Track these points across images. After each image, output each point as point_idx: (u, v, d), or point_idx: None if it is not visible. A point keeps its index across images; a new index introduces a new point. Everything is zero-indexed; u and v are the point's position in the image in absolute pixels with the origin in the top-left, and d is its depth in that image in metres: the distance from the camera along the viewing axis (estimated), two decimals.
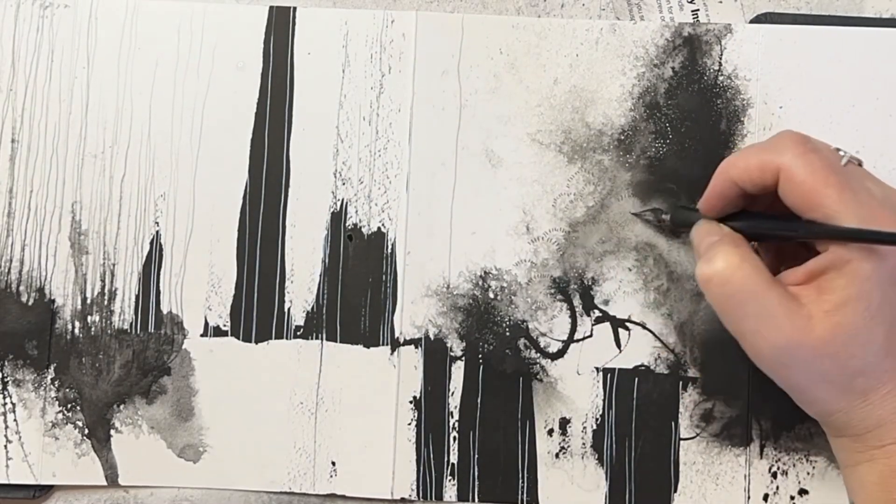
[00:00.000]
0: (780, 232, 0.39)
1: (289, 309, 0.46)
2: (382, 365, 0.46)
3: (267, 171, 0.46)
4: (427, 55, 0.47)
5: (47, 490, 0.46)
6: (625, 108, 0.46)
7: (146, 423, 0.46)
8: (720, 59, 0.46)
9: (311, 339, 0.46)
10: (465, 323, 0.46)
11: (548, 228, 0.46)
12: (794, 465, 0.45)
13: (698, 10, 0.47)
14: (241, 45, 0.47)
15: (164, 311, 0.46)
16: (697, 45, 0.46)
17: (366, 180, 0.46)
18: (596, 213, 0.46)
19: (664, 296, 0.46)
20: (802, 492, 0.45)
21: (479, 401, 0.46)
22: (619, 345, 0.46)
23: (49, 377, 0.46)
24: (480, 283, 0.46)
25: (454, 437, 0.46)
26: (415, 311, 0.46)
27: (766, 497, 0.45)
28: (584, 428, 0.45)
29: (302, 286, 0.46)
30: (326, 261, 0.46)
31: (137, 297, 0.46)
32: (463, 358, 0.46)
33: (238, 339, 0.46)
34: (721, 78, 0.46)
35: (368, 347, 0.46)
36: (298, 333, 0.46)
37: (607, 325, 0.46)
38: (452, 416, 0.46)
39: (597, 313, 0.46)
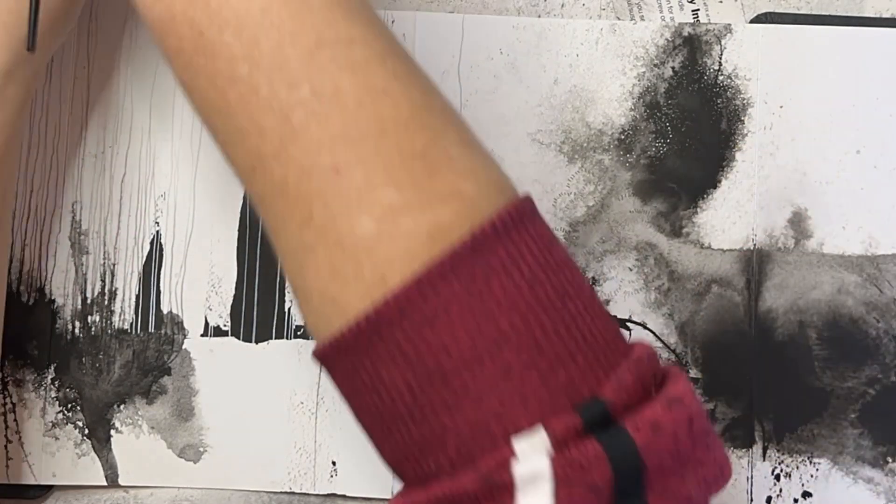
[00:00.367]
0: None
1: (289, 309, 0.46)
2: None
3: None
4: (427, 55, 0.47)
5: (47, 490, 0.46)
6: (625, 107, 0.46)
7: (146, 423, 0.46)
8: (720, 58, 0.46)
9: (311, 338, 0.46)
10: None
11: None
12: (797, 468, 0.45)
13: (698, 10, 0.47)
14: None
15: (165, 311, 0.46)
16: (697, 45, 0.46)
17: None
18: (596, 213, 0.46)
19: (665, 296, 0.46)
20: (806, 494, 0.45)
21: None
22: None
23: (49, 377, 0.46)
24: None
25: None
26: None
27: (769, 500, 0.45)
28: None
29: None
30: None
31: (137, 297, 0.46)
32: None
33: (238, 339, 0.46)
34: (721, 78, 0.46)
35: None
36: (298, 333, 0.46)
37: None
38: None
39: None
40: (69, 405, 0.46)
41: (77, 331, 0.46)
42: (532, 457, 0.27)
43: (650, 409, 0.27)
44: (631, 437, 0.27)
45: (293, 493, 0.46)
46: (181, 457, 0.46)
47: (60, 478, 0.46)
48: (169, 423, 0.46)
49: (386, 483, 0.45)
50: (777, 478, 0.45)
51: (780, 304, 0.45)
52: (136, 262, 0.46)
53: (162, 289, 0.46)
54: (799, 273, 0.45)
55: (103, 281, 0.46)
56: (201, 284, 0.46)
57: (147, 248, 0.46)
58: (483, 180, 0.30)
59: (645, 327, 0.45)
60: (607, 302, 0.46)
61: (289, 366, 0.46)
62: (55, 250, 0.46)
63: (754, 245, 0.45)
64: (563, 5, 0.47)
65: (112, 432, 0.46)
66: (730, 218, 0.46)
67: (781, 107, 0.46)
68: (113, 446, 0.46)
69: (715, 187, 0.46)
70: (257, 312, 0.46)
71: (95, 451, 0.46)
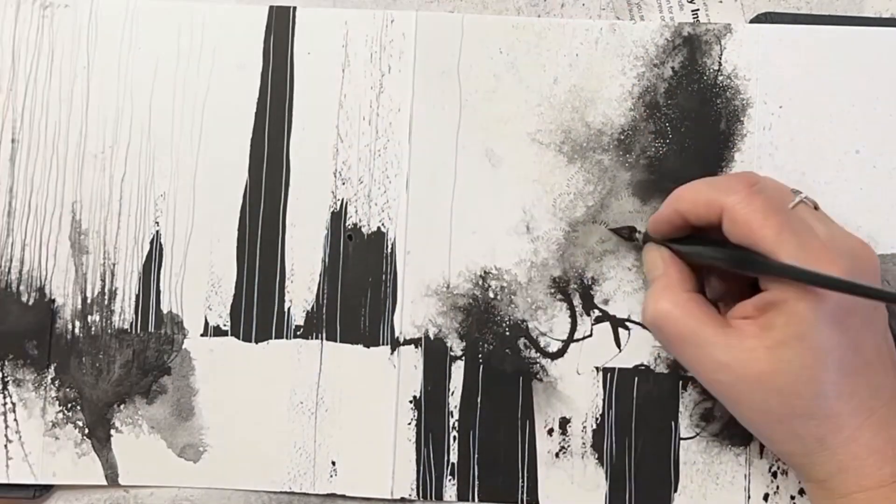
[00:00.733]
0: (715, 261, 0.39)
1: (289, 309, 0.46)
2: (382, 365, 0.46)
3: (267, 170, 0.46)
4: (427, 55, 0.47)
5: (47, 490, 0.46)
6: (625, 107, 0.46)
7: (146, 422, 0.46)
8: (720, 58, 0.46)
9: (311, 338, 0.46)
10: (465, 322, 0.46)
11: (548, 228, 0.46)
12: None
13: (698, 9, 0.47)
14: (241, 44, 0.47)
15: (165, 311, 0.46)
16: (697, 45, 0.46)
17: (366, 180, 0.46)
18: (596, 213, 0.46)
19: None
20: (803, 492, 0.45)
21: (478, 400, 0.46)
22: (618, 344, 0.46)
23: (49, 377, 0.46)
24: (480, 282, 0.46)
25: (454, 437, 0.46)
26: (415, 311, 0.46)
27: (766, 497, 0.45)
28: (584, 427, 0.45)
29: (302, 286, 0.46)
30: (326, 260, 0.46)
31: (137, 296, 0.46)
32: (463, 357, 0.46)
33: (238, 338, 0.46)
34: (721, 78, 0.46)
35: (368, 347, 0.46)
36: (298, 333, 0.46)
37: (607, 324, 0.46)
38: (452, 416, 0.46)
39: (597, 313, 0.46)
40: (69, 405, 0.46)
41: (77, 330, 0.46)
42: None
43: None
44: None
45: (293, 492, 0.46)
46: (181, 456, 0.46)
47: (60, 477, 0.46)
48: (169, 422, 0.46)
49: (386, 483, 0.45)
50: (774, 475, 0.45)
51: None
52: (136, 261, 0.46)
53: (162, 288, 0.46)
54: None
55: (103, 281, 0.46)
56: (201, 284, 0.46)
57: (147, 247, 0.46)
58: None
59: (644, 327, 0.46)
60: (606, 301, 0.46)
61: (289, 366, 0.46)
62: (55, 250, 0.46)
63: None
64: (562, 5, 0.47)
65: (112, 432, 0.46)
66: None
67: (781, 107, 0.46)
68: (113, 446, 0.46)
69: None
70: (257, 312, 0.46)
71: (95, 451, 0.46)
